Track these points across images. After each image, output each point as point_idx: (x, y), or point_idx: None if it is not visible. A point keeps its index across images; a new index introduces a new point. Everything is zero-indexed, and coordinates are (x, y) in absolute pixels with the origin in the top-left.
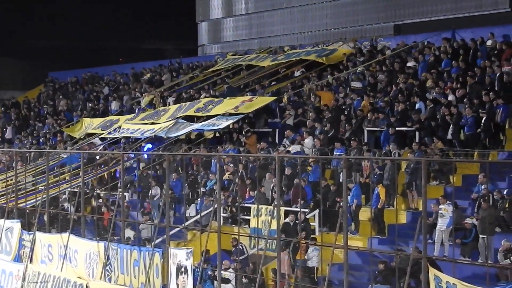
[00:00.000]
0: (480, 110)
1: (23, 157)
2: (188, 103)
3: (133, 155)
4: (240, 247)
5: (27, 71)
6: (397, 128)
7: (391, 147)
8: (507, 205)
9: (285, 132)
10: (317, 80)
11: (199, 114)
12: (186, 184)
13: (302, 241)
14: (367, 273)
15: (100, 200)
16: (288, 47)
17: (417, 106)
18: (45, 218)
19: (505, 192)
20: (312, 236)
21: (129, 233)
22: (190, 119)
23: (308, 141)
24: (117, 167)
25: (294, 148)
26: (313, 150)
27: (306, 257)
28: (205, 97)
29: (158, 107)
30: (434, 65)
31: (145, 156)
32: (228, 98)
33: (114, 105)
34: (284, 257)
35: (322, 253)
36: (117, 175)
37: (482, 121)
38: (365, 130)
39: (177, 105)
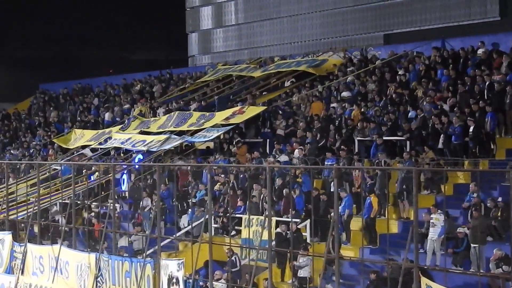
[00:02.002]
0: (468, 118)
1: (14, 169)
2: (177, 112)
3: (124, 166)
4: (234, 258)
5: (18, 82)
6: (387, 138)
7: (379, 156)
8: (499, 213)
9: (275, 143)
10: (308, 89)
11: (192, 128)
12: (176, 195)
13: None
14: (359, 283)
15: (92, 214)
16: (278, 57)
17: (409, 115)
18: (35, 229)
19: (499, 200)
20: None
21: (123, 241)
22: (182, 131)
23: (298, 151)
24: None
25: (284, 158)
26: (299, 160)
27: (296, 267)
28: (195, 107)
29: (149, 117)
30: (424, 74)
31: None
32: (220, 111)
33: (107, 116)
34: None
35: (314, 263)
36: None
37: (470, 130)
38: (355, 139)
39: (167, 115)
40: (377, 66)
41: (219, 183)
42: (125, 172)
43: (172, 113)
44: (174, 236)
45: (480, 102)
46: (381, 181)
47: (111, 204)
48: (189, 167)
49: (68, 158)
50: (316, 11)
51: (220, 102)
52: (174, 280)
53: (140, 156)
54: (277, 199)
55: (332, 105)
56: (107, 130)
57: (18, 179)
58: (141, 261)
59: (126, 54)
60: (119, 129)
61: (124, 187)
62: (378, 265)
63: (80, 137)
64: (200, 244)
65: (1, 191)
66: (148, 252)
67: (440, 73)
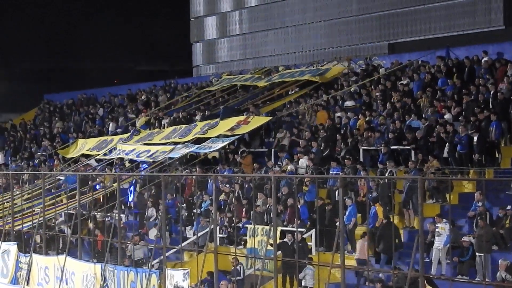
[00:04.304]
0: (469, 131)
1: (19, 180)
2: (183, 126)
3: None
4: (238, 267)
5: (23, 93)
6: (394, 147)
7: (387, 164)
8: (507, 221)
9: (278, 153)
10: (313, 99)
11: (197, 137)
12: (183, 205)
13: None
14: None
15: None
16: (283, 66)
17: (413, 124)
18: (39, 239)
19: (508, 208)
20: (308, 255)
21: (141, 253)
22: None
23: (303, 160)
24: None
25: (289, 167)
26: (308, 170)
27: (300, 276)
28: (201, 117)
29: (154, 128)
30: (429, 84)
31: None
32: (224, 120)
33: (111, 127)
34: (364, 243)
35: (319, 272)
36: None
37: (475, 140)
38: (360, 149)
39: (172, 128)
40: (382, 75)
41: (224, 193)
42: (133, 183)
43: (178, 126)
44: (180, 246)
45: (485, 111)
46: (383, 189)
47: (117, 215)
48: (194, 177)
49: (74, 168)
50: (320, 21)
51: (225, 112)
52: None
53: (145, 165)
54: (282, 208)
55: (337, 114)
56: (109, 138)
57: (23, 189)
58: (146, 271)
59: (131, 64)
60: (122, 140)
61: (131, 198)
62: (384, 275)
63: (83, 146)
64: (205, 254)
65: (7, 202)
66: (154, 262)
67: (445, 82)
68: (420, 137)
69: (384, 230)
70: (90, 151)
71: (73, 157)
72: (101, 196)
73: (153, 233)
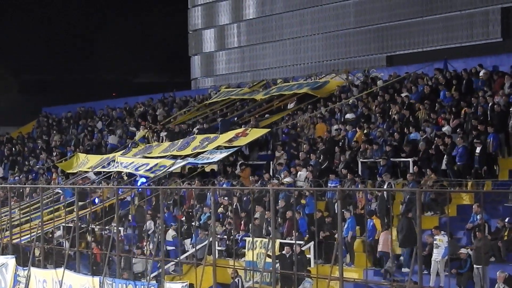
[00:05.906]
0: (475, 140)
1: (18, 193)
2: (181, 140)
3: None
4: (237, 280)
5: (21, 106)
6: (394, 159)
7: (384, 177)
8: (506, 233)
9: (276, 166)
10: (311, 112)
11: (196, 151)
12: (183, 218)
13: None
14: None
15: (93, 238)
16: (281, 79)
17: (412, 136)
18: (37, 253)
19: (506, 220)
20: (307, 268)
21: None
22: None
23: (302, 173)
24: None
25: (288, 180)
26: (307, 182)
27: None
28: (198, 130)
29: (152, 142)
30: (428, 96)
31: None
32: (223, 134)
33: (111, 140)
34: (388, 237)
35: (318, 285)
36: None
37: (477, 151)
38: (359, 161)
39: (170, 143)
40: (380, 87)
41: (222, 206)
42: (132, 196)
43: (176, 140)
44: (178, 258)
45: (483, 123)
46: (382, 202)
47: (115, 227)
48: (193, 190)
49: (72, 182)
50: (318, 33)
51: (223, 124)
52: None
53: (143, 179)
54: (281, 221)
55: (335, 127)
56: (110, 156)
57: (22, 203)
58: (145, 284)
59: (129, 77)
60: (121, 154)
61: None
62: (382, 287)
63: (85, 163)
64: (204, 266)
65: (5, 215)
66: (152, 275)
67: (443, 95)
68: (424, 149)
69: (403, 224)
70: (92, 169)
71: (74, 172)
72: (99, 209)
73: (170, 234)
